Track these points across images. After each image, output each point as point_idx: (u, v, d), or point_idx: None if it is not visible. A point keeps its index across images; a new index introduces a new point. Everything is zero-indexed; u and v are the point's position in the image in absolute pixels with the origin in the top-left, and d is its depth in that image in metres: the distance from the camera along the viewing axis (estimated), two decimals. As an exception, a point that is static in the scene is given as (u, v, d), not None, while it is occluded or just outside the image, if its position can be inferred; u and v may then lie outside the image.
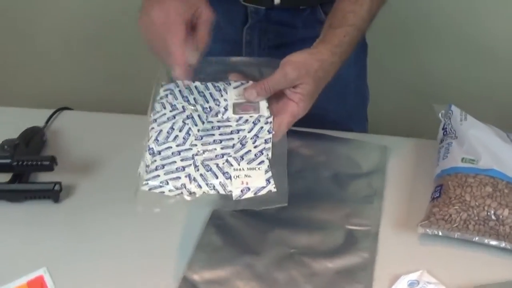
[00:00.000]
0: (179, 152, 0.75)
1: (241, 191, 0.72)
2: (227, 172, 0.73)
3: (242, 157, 0.75)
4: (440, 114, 0.96)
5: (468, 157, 0.86)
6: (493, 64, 1.48)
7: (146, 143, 0.76)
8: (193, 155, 0.75)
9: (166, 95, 0.82)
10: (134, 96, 1.55)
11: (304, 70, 0.77)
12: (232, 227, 0.85)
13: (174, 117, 0.79)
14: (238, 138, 0.77)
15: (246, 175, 0.73)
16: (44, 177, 0.91)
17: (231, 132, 0.77)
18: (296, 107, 0.77)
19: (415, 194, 0.90)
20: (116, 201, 0.89)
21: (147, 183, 0.72)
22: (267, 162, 0.74)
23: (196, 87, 0.82)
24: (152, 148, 0.76)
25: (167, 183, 0.71)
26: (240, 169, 0.73)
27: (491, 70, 1.48)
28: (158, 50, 0.76)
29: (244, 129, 0.78)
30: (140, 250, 0.82)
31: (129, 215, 0.87)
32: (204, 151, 0.75)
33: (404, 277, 0.77)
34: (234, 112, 0.80)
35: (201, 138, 0.77)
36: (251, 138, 0.77)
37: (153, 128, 0.78)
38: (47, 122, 1.03)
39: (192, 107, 0.80)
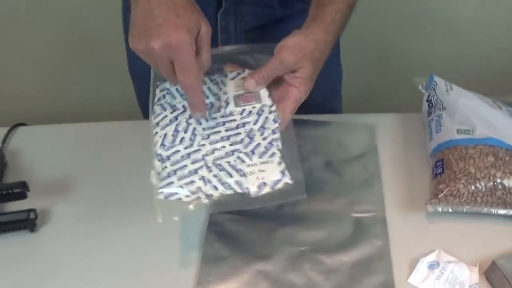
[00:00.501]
0: (188, 155, 0.70)
1: (258, 187, 0.69)
2: (240, 169, 0.69)
3: (253, 152, 0.71)
4: (421, 86, 0.94)
5: (463, 128, 0.84)
6: (462, 35, 1.48)
7: (152, 149, 0.71)
8: (203, 156, 0.71)
9: (164, 96, 0.76)
10: (89, 103, 1.45)
11: (301, 53, 0.73)
12: (234, 233, 0.79)
13: (176, 118, 0.74)
14: (245, 132, 0.73)
15: (260, 170, 0.69)
16: (13, 206, 0.80)
17: (237, 127, 0.73)
18: (297, 92, 0.74)
19: (412, 171, 0.87)
20: (98, 219, 0.81)
21: (162, 191, 0.67)
22: (278, 154, 0.71)
23: None
24: (160, 154, 0.71)
25: (183, 189, 0.68)
26: (253, 165, 0.70)
27: (460, 42, 1.48)
28: (166, 73, 0.69)
29: (250, 122, 0.73)
30: (138, 270, 0.75)
31: (115, 233, 0.80)
32: (213, 150, 0.71)
33: (423, 259, 0.74)
34: (236, 105, 0.75)
35: (208, 137, 0.72)
36: (258, 130, 0.73)
37: (157, 132, 0.73)
38: (3, 142, 0.92)
39: None
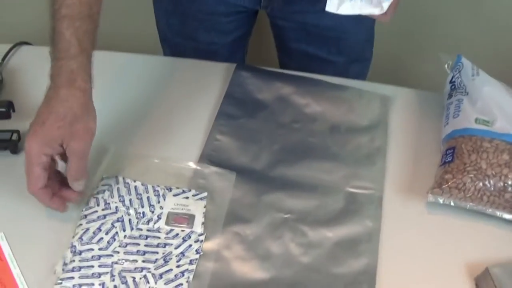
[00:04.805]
0: (99, 257, 0.69)
1: None
2: None
3: (161, 276, 0.68)
4: (446, 65, 0.87)
5: (482, 117, 0.77)
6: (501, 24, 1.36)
7: (71, 239, 0.70)
8: (112, 262, 0.68)
9: (103, 191, 0.74)
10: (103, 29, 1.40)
11: None
12: (217, 187, 0.75)
13: (104, 216, 0.72)
14: (163, 254, 0.69)
15: None
16: (-1, 125, 0.78)
17: (157, 245, 0.70)
18: None
19: (420, 153, 0.81)
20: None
21: (61, 283, 0.66)
22: (186, 286, 0.66)
23: (136, 187, 0.75)
24: (75, 246, 0.69)
25: None
26: None
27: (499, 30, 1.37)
28: None
29: (172, 244, 0.70)
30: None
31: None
32: (124, 261, 0.68)
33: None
34: (167, 223, 0.72)
35: (126, 246, 0.70)
36: (176, 256, 0.69)
37: (81, 224, 0.71)
38: (3, 59, 0.88)
39: (125, 210, 0.73)
